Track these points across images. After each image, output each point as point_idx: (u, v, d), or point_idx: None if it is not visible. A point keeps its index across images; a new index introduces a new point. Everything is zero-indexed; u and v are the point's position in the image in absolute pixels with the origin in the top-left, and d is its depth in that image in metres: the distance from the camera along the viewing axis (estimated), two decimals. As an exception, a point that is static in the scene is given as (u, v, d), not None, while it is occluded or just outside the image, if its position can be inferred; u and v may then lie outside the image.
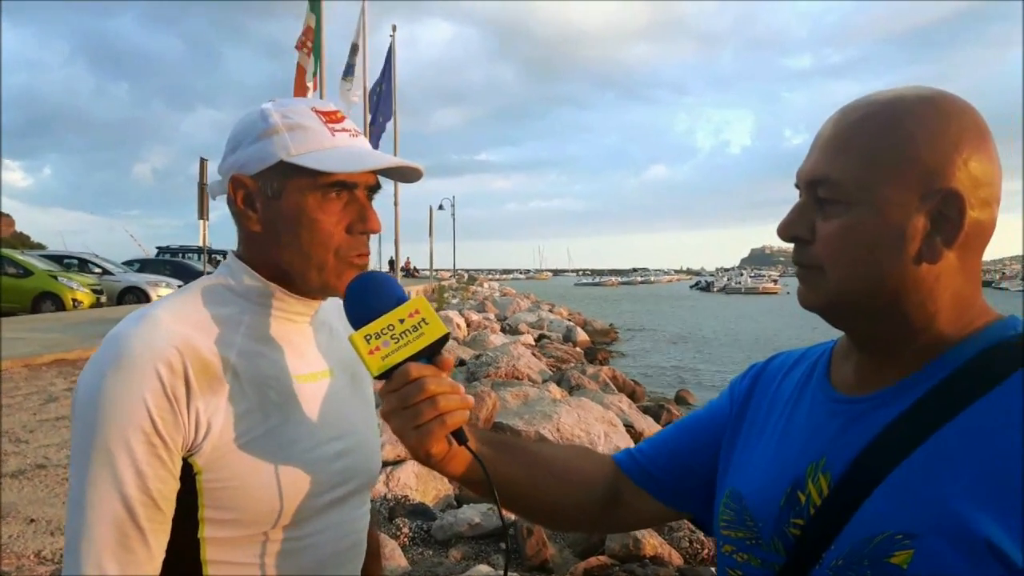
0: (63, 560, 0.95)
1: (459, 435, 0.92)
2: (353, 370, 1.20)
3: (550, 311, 26.39)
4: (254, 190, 1.04)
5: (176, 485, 0.97)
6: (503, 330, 17.95)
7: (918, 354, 0.82)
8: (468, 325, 16.69)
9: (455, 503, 5.26)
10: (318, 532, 1.07)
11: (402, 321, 0.91)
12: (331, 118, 1.07)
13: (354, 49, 15.85)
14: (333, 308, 1.21)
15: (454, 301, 24.12)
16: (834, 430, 0.85)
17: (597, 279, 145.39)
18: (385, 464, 5.31)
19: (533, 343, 15.97)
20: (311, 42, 12.60)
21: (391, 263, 25.16)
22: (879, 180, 0.79)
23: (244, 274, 1.08)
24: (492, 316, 20.89)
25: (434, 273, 48.46)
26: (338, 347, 1.18)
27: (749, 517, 0.89)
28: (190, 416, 0.96)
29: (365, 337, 0.90)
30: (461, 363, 10.07)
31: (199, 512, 0.98)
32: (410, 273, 52.34)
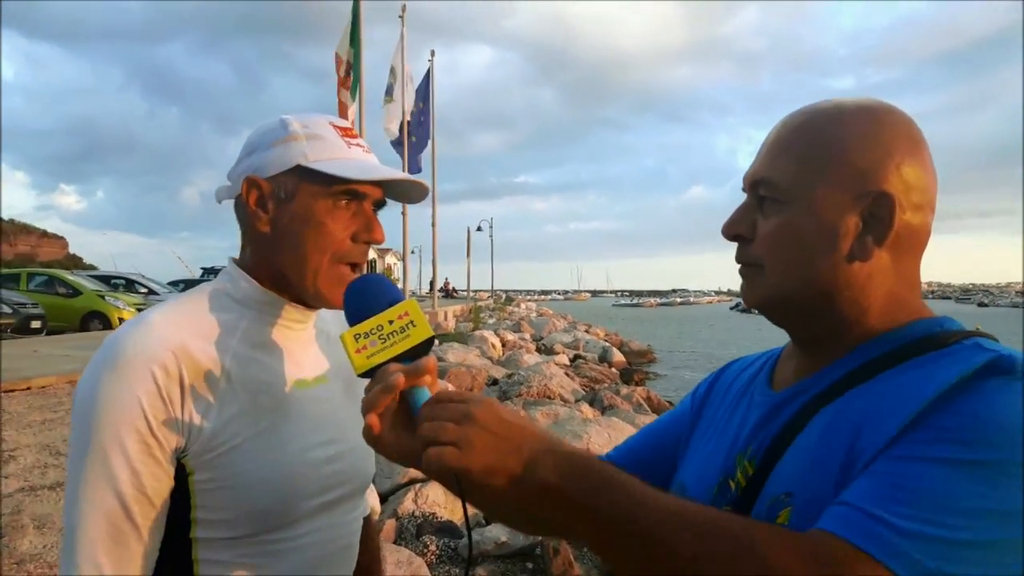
0: (60, 555, 0.98)
1: None
2: (348, 377, 1.21)
3: (586, 331, 26.28)
4: (267, 192, 1.07)
5: (170, 483, 0.99)
6: (538, 350, 17.91)
7: (843, 346, 0.86)
8: (503, 345, 16.67)
9: (483, 521, 5.23)
10: (308, 534, 1.08)
11: (391, 322, 0.92)
12: (347, 133, 1.12)
13: (392, 71, 16.14)
14: (332, 316, 1.23)
15: (490, 321, 24.18)
16: (761, 422, 0.89)
17: (636, 300, 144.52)
18: (413, 482, 5.31)
19: (568, 363, 15.90)
20: (349, 76, 12.84)
21: (431, 284, 25.40)
22: (814, 181, 0.83)
23: (243, 280, 1.11)
24: (528, 336, 20.86)
25: (472, 294, 48.69)
26: (335, 354, 1.19)
27: None
28: (183, 417, 0.99)
29: (355, 336, 0.91)
30: (494, 382, 10.07)
31: (191, 513, 1.01)
32: (449, 294, 52.65)
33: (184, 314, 1.06)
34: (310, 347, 1.17)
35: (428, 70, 19.61)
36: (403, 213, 17.54)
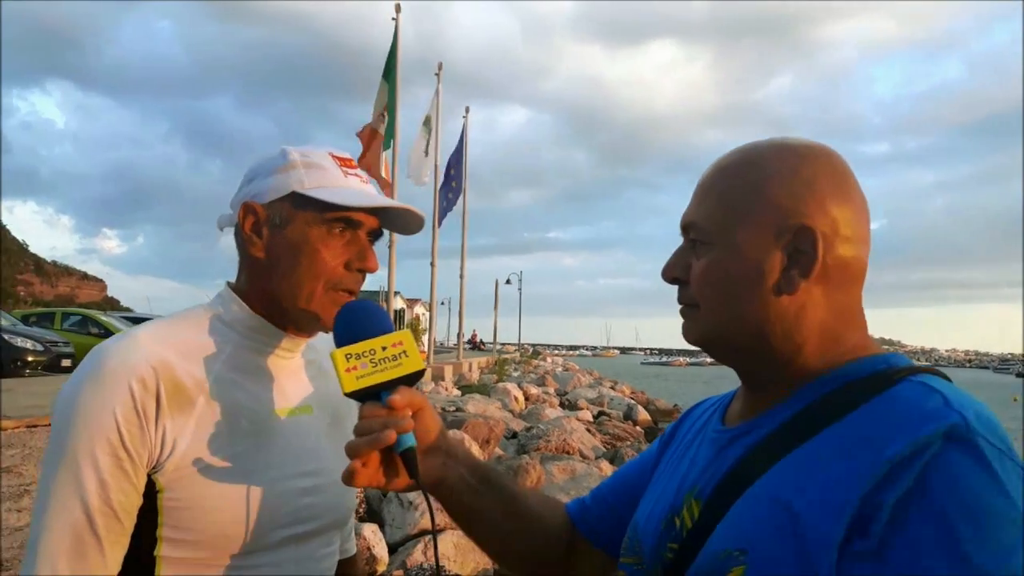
0: (23, 561, 0.98)
1: (410, 466, 0.92)
2: (335, 410, 1.20)
3: (612, 388, 25.98)
4: (263, 218, 1.09)
5: (138, 500, 0.99)
6: (562, 405, 17.73)
7: (786, 385, 0.85)
8: (526, 398, 16.54)
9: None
10: (275, 564, 1.07)
11: (384, 349, 0.93)
12: (345, 163, 1.13)
13: (426, 122, 16.49)
14: (323, 347, 1.22)
15: (515, 374, 24.04)
16: (709, 458, 0.89)
17: (665, 358, 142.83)
18: (424, 533, 5.25)
19: (591, 419, 15.71)
20: (383, 128, 13.14)
21: (458, 336, 25.49)
22: (736, 220, 0.85)
23: (234, 304, 1.11)
24: (552, 391, 20.68)
25: (500, 346, 48.57)
26: (323, 386, 1.19)
27: (638, 543, 0.93)
28: (157, 433, 0.98)
29: (346, 355, 0.92)
30: (513, 435, 9.97)
31: (158, 530, 1.00)
32: (476, 346, 52.57)
33: (171, 332, 1.06)
34: (297, 376, 1.16)
35: (463, 127, 20.03)
36: (432, 264, 17.72)
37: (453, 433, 7.34)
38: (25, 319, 18.55)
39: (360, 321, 0.98)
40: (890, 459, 0.69)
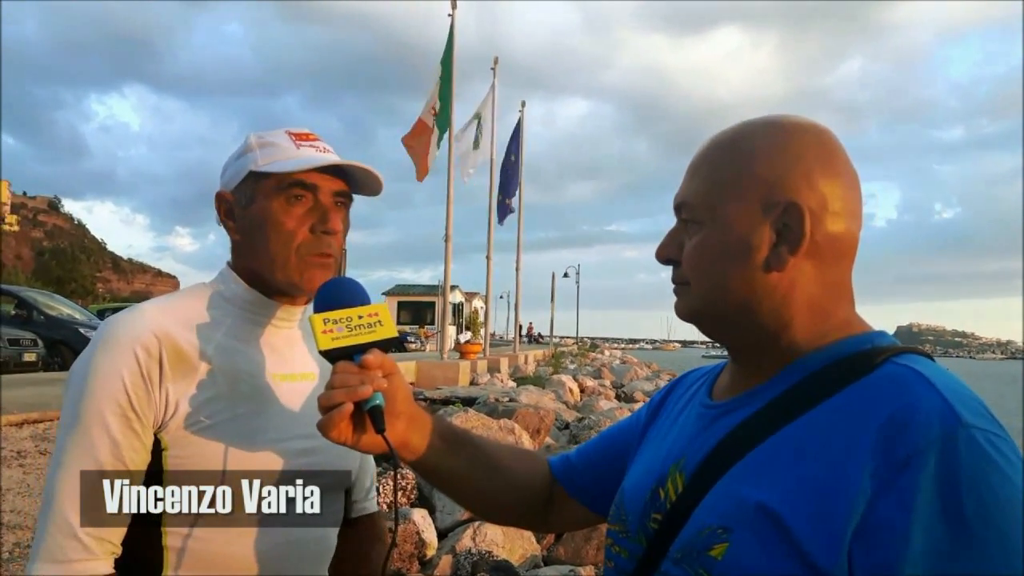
0: (38, 515, 1.05)
1: (376, 422, 0.95)
2: None
3: (670, 381, 25.67)
4: (232, 202, 1.17)
5: (147, 456, 1.06)
6: (617, 397, 17.63)
7: (774, 361, 0.85)
8: (581, 390, 16.54)
9: (541, 563, 5.21)
10: (276, 519, 1.11)
11: (360, 317, 0.99)
12: (301, 137, 1.18)
13: (477, 118, 16.54)
14: None
15: (571, 366, 24.02)
16: (695, 432, 0.90)
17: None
18: (473, 519, 5.35)
19: (647, 412, 15.56)
20: (434, 122, 13.18)
21: (516, 328, 25.64)
22: (723, 197, 0.86)
23: (232, 281, 1.19)
24: (608, 383, 20.58)
25: (558, 339, 48.50)
26: None
27: (624, 511, 0.94)
28: (161, 395, 1.06)
29: (324, 320, 0.98)
30: (565, 426, 10.00)
31: (163, 486, 1.07)
32: (533, 338, 52.51)
33: (175, 306, 1.15)
34: (297, 345, 1.23)
35: (518, 121, 20.05)
36: (487, 258, 17.87)
37: (503, 423, 7.44)
38: (100, 314, 19.44)
39: (339, 294, 1.03)
40: (892, 464, 0.68)
